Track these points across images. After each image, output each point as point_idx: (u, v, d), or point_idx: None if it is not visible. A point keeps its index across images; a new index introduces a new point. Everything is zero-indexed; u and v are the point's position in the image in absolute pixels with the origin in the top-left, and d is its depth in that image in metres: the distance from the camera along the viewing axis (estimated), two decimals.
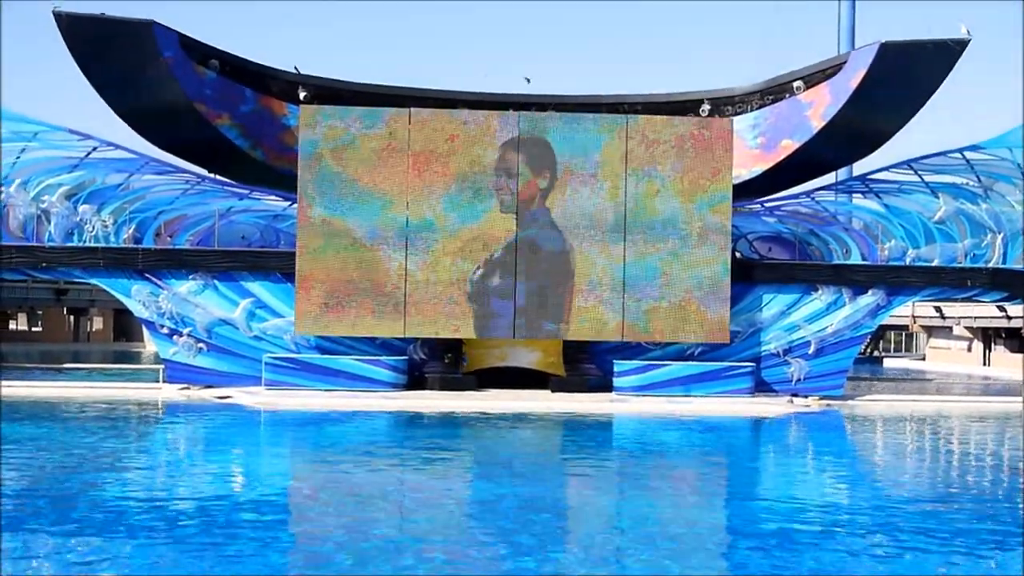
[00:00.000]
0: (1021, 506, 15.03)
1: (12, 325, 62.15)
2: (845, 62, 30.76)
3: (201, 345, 28.69)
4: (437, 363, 28.75)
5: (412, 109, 28.56)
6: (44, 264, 28.77)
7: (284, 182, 29.36)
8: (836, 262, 29.90)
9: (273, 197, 29.92)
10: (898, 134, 31.38)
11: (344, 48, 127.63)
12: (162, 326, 28.73)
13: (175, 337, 28.67)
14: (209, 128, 29.86)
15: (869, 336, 35.85)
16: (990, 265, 30.00)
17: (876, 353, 60.68)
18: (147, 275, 28.62)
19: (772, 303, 29.43)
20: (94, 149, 28.90)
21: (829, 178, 37.32)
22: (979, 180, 30.21)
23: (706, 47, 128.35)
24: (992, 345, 50.22)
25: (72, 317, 62.85)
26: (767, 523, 13.39)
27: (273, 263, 28.70)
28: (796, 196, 31.17)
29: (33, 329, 63.18)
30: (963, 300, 36.88)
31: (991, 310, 44.92)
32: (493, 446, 20.86)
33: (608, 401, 27.27)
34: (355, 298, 27.76)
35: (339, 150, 27.93)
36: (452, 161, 28.05)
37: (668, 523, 13.36)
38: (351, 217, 27.85)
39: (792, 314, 29.46)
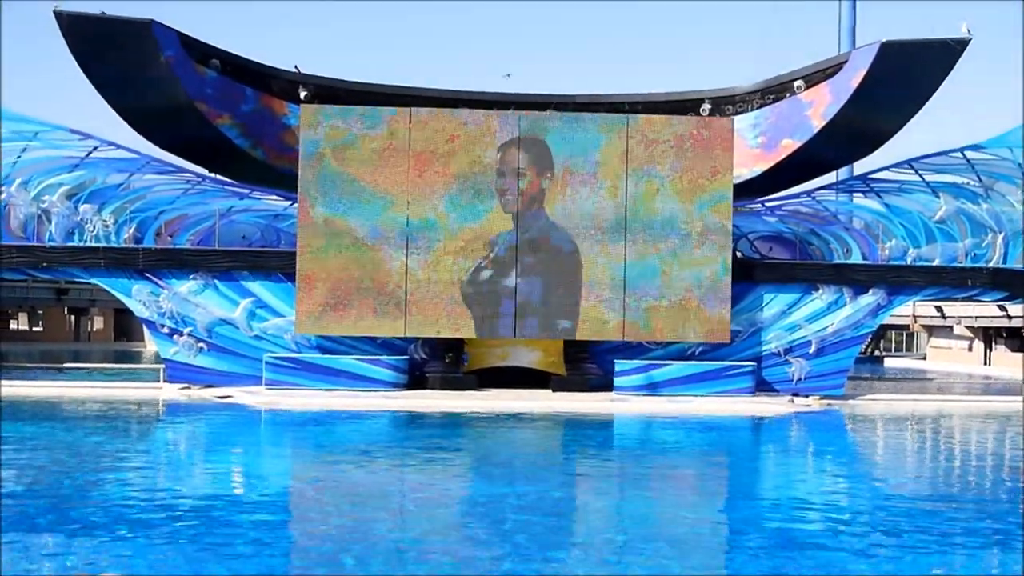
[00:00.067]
0: (1021, 506, 15.00)
1: (13, 325, 62.17)
2: (846, 61, 30.73)
3: (202, 345, 28.68)
4: (438, 363, 28.75)
5: (412, 109, 28.56)
6: (45, 264, 28.76)
7: (285, 182, 29.35)
8: (837, 261, 29.90)
9: (274, 197, 29.92)
10: (899, 133, 31.35)
11: (344, 48, 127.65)
12: (163, 326, 28.73)
13: (176, 337, 28.67)
14: (210, 128, 29.84)
15: (870, 336, 35.85)
16: (991, 265, 29.99)
17: (877, 353, 60.67)
18: (148, 275, 28.62)
19: (773, 303, 29.42)
20: (95, 149, 28.89)
21: (830, 177, 37.32)
22: (980, 180, 30.20)
23: (707, 47, 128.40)
24: (993, 345, 50.23)
25: (73, 317, 62.88)
26: (768, 523, 13.39)
27: (274, 263, 28.69)
28: (797, 195, 31.17)
29: (34, 329, 63.19)
30: (964, 300, 36.89)
31: (992, 310, 44.93)
32: (494, 446, 20.86)
33: (609, 401, 27.26)
34: (356, 298, 27.76)
35: (340, 150, 27.94)
36: (453, 161, 28.05)
37: (669, 523, 13.36)
38: (353, 217, 27.85)
39: (793, 314, 29.45)
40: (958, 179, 30.34)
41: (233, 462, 18.43)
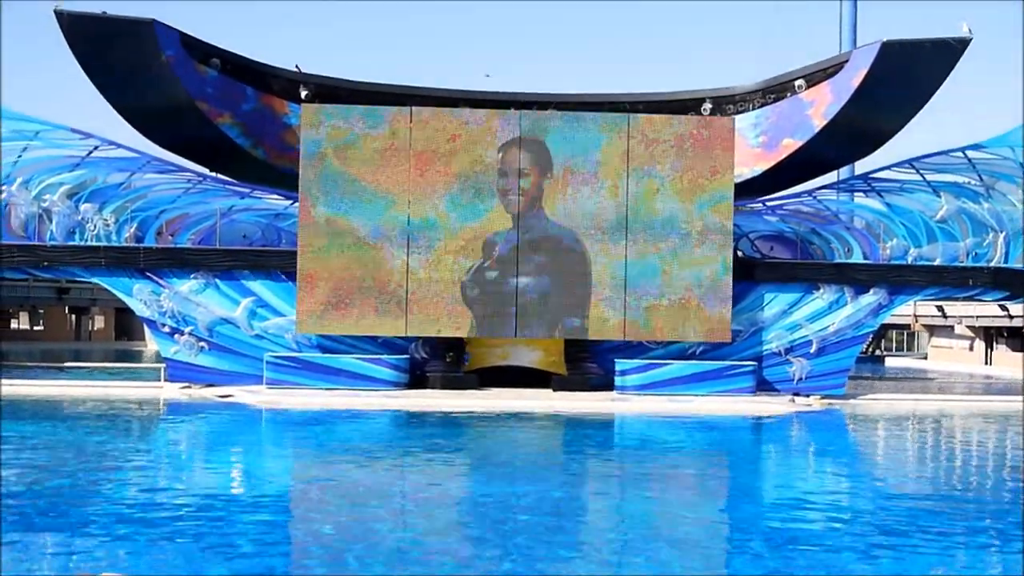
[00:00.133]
0: (1022, 506, 14.99)
1: (14, 324, 62.18)
2: (847, 61, 30.72)
3: (202, 344, 28.69)
4: (439, 362, 28.75)
5: (414, 108, 28.57)
6: (46, 263, 28.77)
7: (285, 181, 29.35)
8: (838, 261, 29.89)
9: (274, 196, 29.92)
10: (900, 133, 31.34)
11: (345, 47, 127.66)
12: (163, 325, 28.73)
13: (176, 336, 28.66)
14: (210, 127, 29.85)
15: (871, 335, 35.84)
16: (992, 264, 29.98)
17: (878, 352, 60.62)
18: (148, 274, 28.62)
19: (774, 302, 29.41)
20: (95, 148, 28.90)
21: (831, 177, 37.32)
22: (981, 179, 30.18)
23: (708, 46, 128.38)
24: (994, 344, 50.19)
25: (73, 316, 62.89)
26: (769, 523, 13.38)
27: (274, 262, 28.70)
28: (798, 195, 31.16)
29: (35, 328, 63.21)
30: (965, 299, 36.87)
31: (993, 309, 44.90)
32: (495, 445, 20.86)
33: (610, 400, 27.26)
34: (358, 297, 27.77)
35: (342, 149, 27.95)
36: (454, 161, 28.06)
37: (670, 523, 13.36)
38: (354, 216, 27.86)
39: (794, 313, 29.44)
40: (959, 178, 30.33)
41: (234, 461, 18.44)
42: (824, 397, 28.73)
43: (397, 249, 27.91)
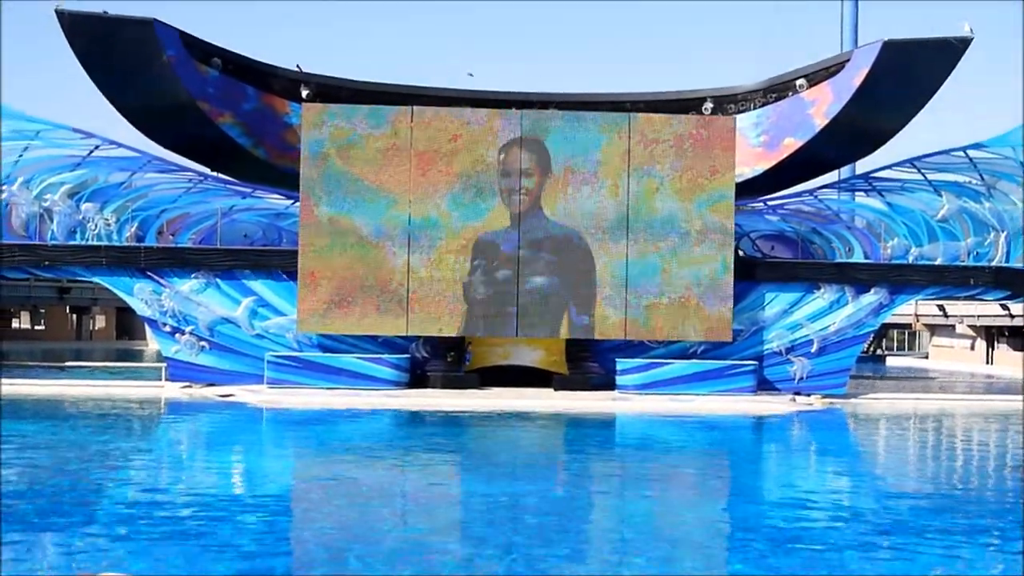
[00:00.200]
0: (1022, 505, 15.00)
1: (15, 323, 62.22)
2: (848, 60, 30.71)
3: (203, 343, 28.69)
4: (439, 361, 28.75)
5: (415, 108, 28.57)
6: (47, 262, 28.78)
7: (286, 180, 29.35)
8: (839, 260, 29.88)
9: (275, 195, 29.94)
10: (901, 132, 31.33)
11: (345, 46, 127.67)
12: (164, 324, 28.73)
13: (177, 335, 28.67)
14: (211, 126, 29.85)
15: (872, 335, 35.81)
16: (993, 263, 29.97)
17: (879, 352, 60.60)
18: (149, 273, 28.63)
19: (775, 301, 29.41)
20: (96, 147, 28.91)
21: (832, 176, 37.30)
22: (982, 178, 30.17)
23: (709, 46, 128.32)
24: (995, 343, 50.16)
25: (74, 315, 62.92)
26: (771, 522, 13.37)
27: (275, 261, 28.70)
28: (799, 194, 31.15)
29: (36, 327, 63.24)
30: (966, 298, 36.83)
31: (994, 308, 44.87)
32: (495, 445, 20.86)
33: (611, 400, 27.26)
34: (359, 296, 27.78)
35: (345, 149, 27.96)
36: (455, 160, 28.08)
37: (672, 523, 13.35)
38: (357, 215, 27.88)
39: (795, 312, 29.44)
40: (960, 178, 30.32)
41: (234, 461, 18.44)
42: (825, 396, 28.73)
43: (399, 248, 27.93)
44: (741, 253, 29.80)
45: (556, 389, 28.23)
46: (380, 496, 14.84)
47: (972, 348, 51.88)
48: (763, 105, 31.75)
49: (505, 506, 14.00)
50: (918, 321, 54.45)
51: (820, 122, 30.55)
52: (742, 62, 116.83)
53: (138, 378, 31.40)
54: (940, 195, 30.12)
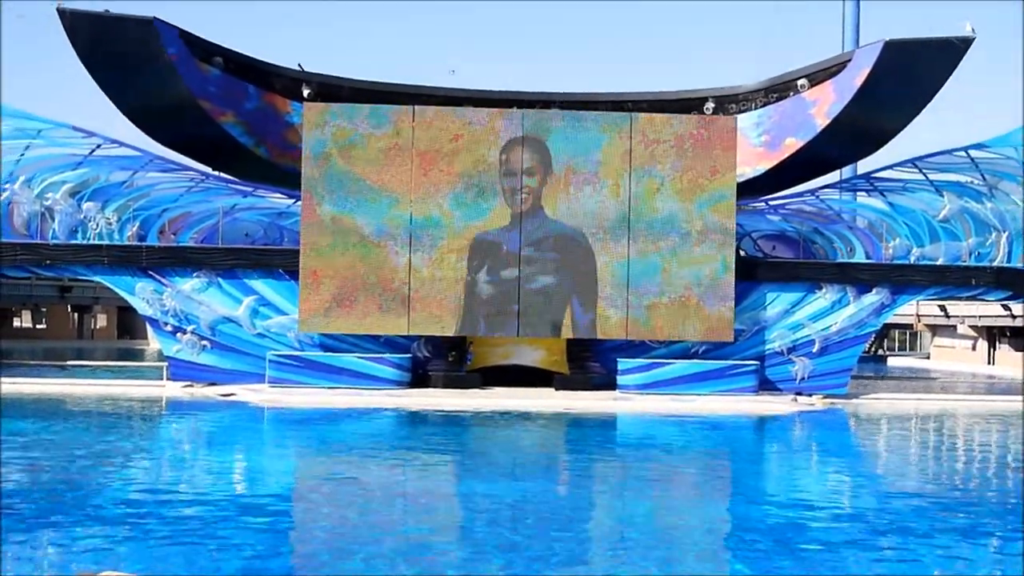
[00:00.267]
0: (1022, 505, 14.99)
1: (16, 322, 62.23)
2: (849, 60, 30.71)
3: (205, 343, 28.69)
4: (441, 361, 28.75)
5: (417, 108, 28.57)
6: (48, 261, 28.79)
7: (288, 180, 29.36)
8: (840, 260, 29.87)
9: (277, 195, 29.94)
10: (903, 132, 31.32)
11: (347, 46, 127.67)
12: (166, 323, 28.73)
13: (179, 335, 28.67)
14: (213, 125, 29.86)
15: (873, 335, 35.77)
16: (994, 264, 29.96)
17: (880, 352, 60.57)
18: (151, 273, 28.63)
19: (776, 301, 29.40)
20: (98, 146, 28.91)
21: (833, 176, 37.29)
22: (984, 179, 30.15)
23: (710, 46, 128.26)
24: (997, 344, 50.13)
25: (76, 314, 62.94)
26: (772, 523, 13.36)
27: (277, 261, 28.70)
28: (800, 194, 31.14)
29: (37, 326, 63.27)
30: (967, 299, 36.83)
31: (996, 309, 44.85)
32: (497, 445, 20.86)
33: (612, 399, 27.24)
34: (361, 295, 27.78)
35: (347, 149, 27.97)
36: (457, 160, 28.09)
37: (673, 522, 13.35)
38: (359, 214, 27.89)
39: (796, 312, 29.43)
40: (962, 178, 30.30)
41: (236, 460, 18.43)
42: (826, 396, 28.72)
43: (401, 248, 27.94)
44: (743, 253, 29.79)
45: (557, 389, 28.22)
46: (381, 496, 14.84)
47: (973, 348, 51.85)
48: (764, 105, 31.76)
49: (506, 506, 13.99)
50: (919, 321, 54.43)
51: (821, 122, 30.55)
52: (743, 62, 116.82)
53: (139, 377, 31.42)
54: (942, 195, 30.11)
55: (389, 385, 27.71)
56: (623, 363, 28.43)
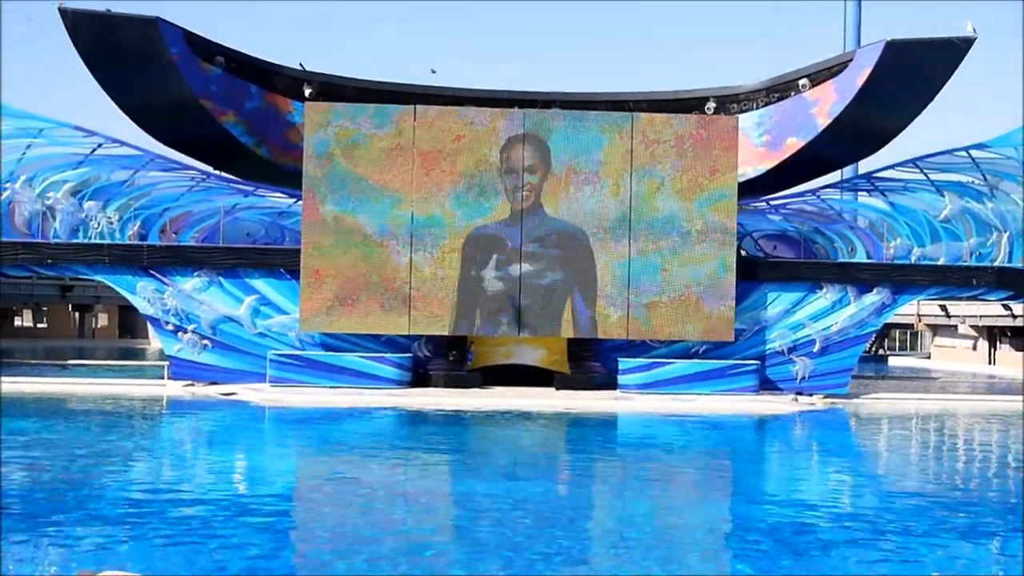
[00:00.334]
0: (1022, 504, 15.00)
1: (17, 321, 62.24)
2: (851, 60, 30.74)
3: (206, 342, 28.71)
4: (442, 360, 28.76)
5: (419, 108, 28.59)
6: (49, 260, 28.82)
7: (289, 179, 29.39)
8: (841, 260, 29.88)
9: (278, 194, 29.97)
10: (904, 132, 31.34)
11: (348, 45, 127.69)
12: (167, 323, 28.75)
13: (180, 334, 28.70)
14: (214, 125, 29.90)
15: (874, 334, 35.77)
16: (995, 264, 29.97)
17: (881, 351, 60.57)
18: (152, 272, 28.65)
19: (777, 301, 29.41)
20: (99, 146, 28.93)
21: (834, 176, 37.32)
22: (985, 179, 30.15)
23: (711, 46, 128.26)
24: (997, 344, 50.12)
25: (77, 314, 62.95)
26: (772, 522, 13.37)
27: (278, 260, 28.72)
28: (801, 194, 31.15)
29: (38, 325, 63.28)
30: (968, 299, 36.84)
31: (996, 308, 44.85)
32: (497, 444, 20.86)
33: (613, 399, 27.25)
34: (363, 294, 27.81)
35: (350, 149, 28.00)
36: (459, 160, 28.12)
37: (674, 522, 13.35)
38: (361, 214, 27.92)
39: (797, 312, 29.44)
40: (963, 178, 30.30)
41: (237, 460, 18.44)
42: (827, 396, 28.74)
43: (402, 247, 27.97)
44: (744, 253, 29.80)
45: (558, 388, 28.24)
46: (382, 495, 14.84)
47: (974, 348, 51.84)
48: (766, 105, 31.78)
49: (506, 506, 13.99)
50: (920, 321, 54.41)
51: (823, 122, 30.57)
52: (744, 62, 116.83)
53: (140, 376, 31.43)
54: (943, 195, 30.12)
55: (390, 385, 27.73)
56: (624, 363, 28.45)
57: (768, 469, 18.98)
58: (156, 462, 17.72)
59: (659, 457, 19.56)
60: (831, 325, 29.42)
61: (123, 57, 28.66)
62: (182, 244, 28.94)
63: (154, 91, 29.20)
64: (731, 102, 32.13)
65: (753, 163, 31.27)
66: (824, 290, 29.48)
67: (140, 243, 28.71)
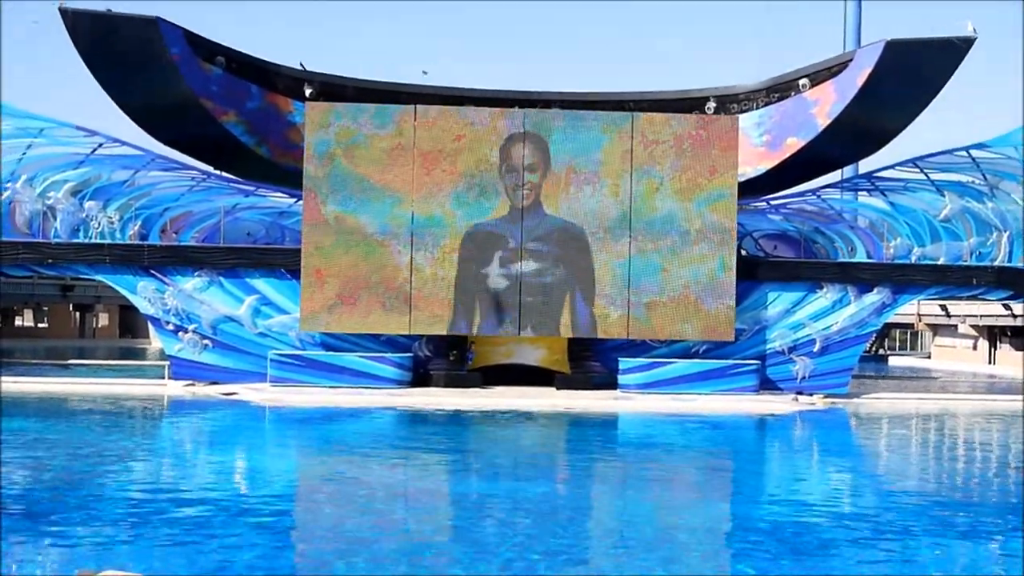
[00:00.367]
0: (1022, 504, 15.01)
1: (18, 321, 62.27)
2: (851, 60, 30.74)
3: (206, 342, 28.72)
4: (442, 360, 28.77)
5: (419, 108, 28.59)
6: (50, 260, 28.83)
7: (289, 179, 29.40)
8: (842, 260, 29.89)
9: (278, 194, 29.98)
10: (904, 132, 31.33)
11: (349, 45, 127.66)
12: (167, 322, 28.77)
13: (180, 334, 28.70)
14: (215, 125, 29.90)
15: (874, 334, 35.75)
16: (995, 263, 29.98)
17: (881, 351, 60.56)
18: (153, 272, 28.67)
19: (777, 301, 29.41)
20: (100, 145, 28.94)
21: (835, 176, 37.33)
22: (985, 178, 30.15)
23: (711, 46, 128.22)
24: (997, 343, 50.11)
25: (78, 313, 62.97)
26: (772, 522, 13.38)
27: (278, 260, 28.73)
28: (802, 194, 31.16)
29: (39, 325, 63.28)
30: (968, 298, 36.84)
31: (997, 308, 44.85)
32: (498, 444, 20.86)
33: (613, 399, 27.26)
34: (364, 294, 27.82)
35: (351, 149, 28.01)
36: (459, 160, 28.13)
37: (674, 522, 13.36)
38: (362, 214, 27.93)
39: (797, 312, 29.44)
40: (963, 178, 30.31)
41: (237, 459, 18.45)
42: (827, 396, 28.74)
43: (403, 247, 27.98)
44: (744, 252, 29.81)
45: (558, 388, 28.25)
46: (382, 495, 14.85)
47: (974, 348, 51.82)
48: (766, 105, 31.78)
49: (507, 506, 14.01)
50: (920, 321, 54.39)
51: (823, 122, 30.58)
52: (745, 62, 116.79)
53: (141, 376, 31.44)
54: (943, 195, 30.12)
55: (390, 384, 27.75)
56: (624, 362, 28.46)
57: (768, 469, 18.99)
58: (156, 462, 17.73)
59: (660, 457, 19.57)
60: (831, 325, 29.43)
61: (123, 57, 28.67)
62: (183, 244, 28.95)
63: (155, 91, 29.20)
64: (731, 102, 32.14)
65: (753, 163, 31.28)
66: (824, 290, 29.49)
67: (141, 243, 28.72)
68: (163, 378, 28.98)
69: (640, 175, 28.38)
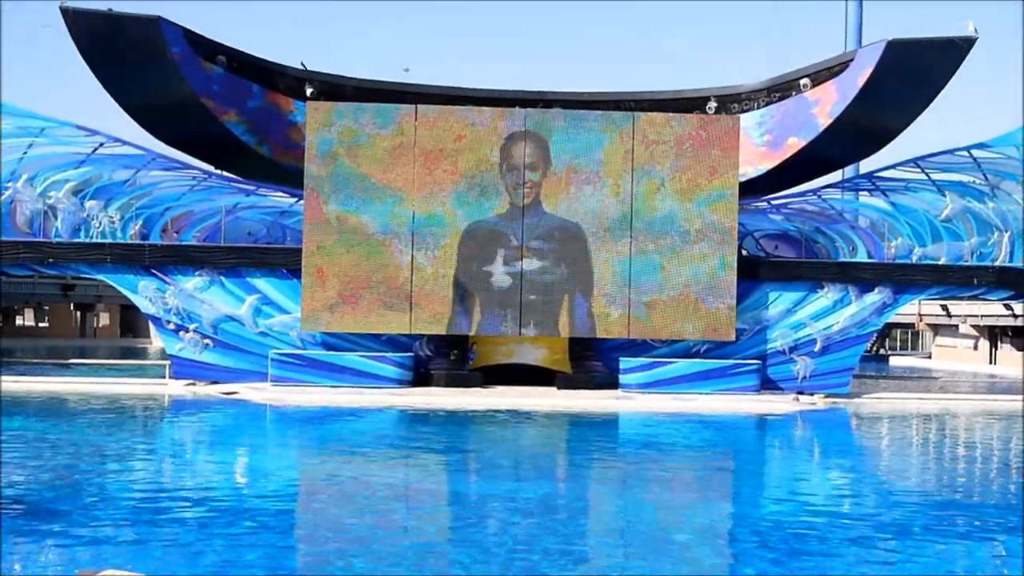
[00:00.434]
0: (1023, 504, 15.01)
1: (19, 320, 62.31)
2: (852, 60, 30.72)
3: (207, 341, 28.73)
4: (443, 360, 28.78)
5: (420, 108, 28.59)
6: (51, 260, 28.84)
7: (290, 178, 29.40)
8: (842, 260, 29.88)
9: (279, 193, 29.99)
10: (905, 132, 31.32)
11: (350, 45, 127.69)
12: (168, 322, 28.77)
13: (181, 333, 28.71)
14: (216, 124, 29.89)
15: (875, 334, 35.74)
16: (996, 263, 29.97)
17: (882, 351, 60.56)
18: (154, 271, 28.67)
19: (778, 301, 29.41)
20: (101, 145, 28.95)
21: (835, 176, 37.32)
22: (986, 178, 30.14)
23: (711, 46, 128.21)
24: (998, 343, 50.11)
25: (79, 313, 63.01)
26: (773, 522, 13.38)
27: (279, 259, 28.73)
28: (803, 194, 31.16)
29: (40, 324, 63.32)
30: (969, 298, 36.84)
31: (997, 308, 44.85)
32: (499, 444, 20.86)
33: (614, 399, 27.27)
34: (365, 293, 27.82)
35: (353, 149, 28.02)
36: (460, 160, 28.14)
37: (677, 522, 13.36)
38: (364, 213, 27.94)
39: (798, 312, 29.44)
40: (964, 178, 30.30)
41: (238, 459, 18.45)
42: (828, 396, 28.74)
43: (404, 246, 27.99)
44: (745, 252, 29.80)
45: (559, 388, 28.25)
46: (384, 495, 14.84)
47: (975, 348, 51.82)
48: (767, 104, 31.77)
49: (507, 506, 14.00)
50: (921, 321, 54.40)
51: (824, 122, 30.56)
52: (745, 62, 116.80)
53: (142, 376, 31.44)
54: (944, 195, 30.12)
55: (391, 384, 27.75)
56: (625, 362, 28.47)
57: (769, 469, 18.99)
58: (157, 461, 17.74)
59: (660, 457, 19.57)
60: (832, 325, 29.43)
61: (124, 56, 28.65)
62: (184, 243, 28.96)
63: (155, 90, 29.20)
64: (732, 102, 32.12)
65: (754, 163, 31.26)
66: (825, 290, 29.48)
67: (142, 242, 28.72)
68: (164, 377, 28.99)
69: (641, 175, 28.39)
